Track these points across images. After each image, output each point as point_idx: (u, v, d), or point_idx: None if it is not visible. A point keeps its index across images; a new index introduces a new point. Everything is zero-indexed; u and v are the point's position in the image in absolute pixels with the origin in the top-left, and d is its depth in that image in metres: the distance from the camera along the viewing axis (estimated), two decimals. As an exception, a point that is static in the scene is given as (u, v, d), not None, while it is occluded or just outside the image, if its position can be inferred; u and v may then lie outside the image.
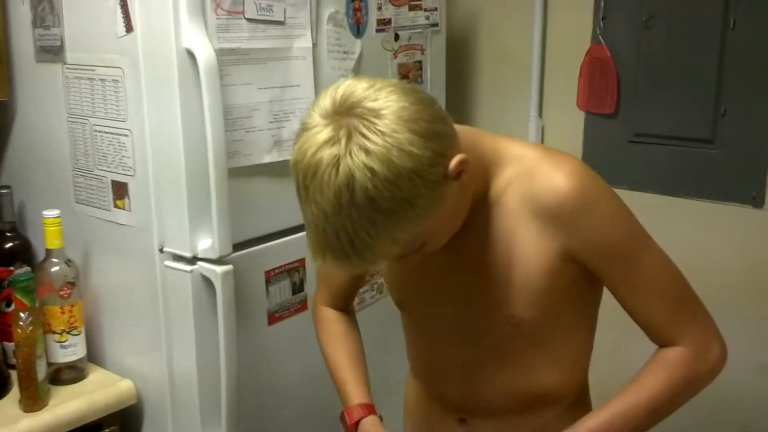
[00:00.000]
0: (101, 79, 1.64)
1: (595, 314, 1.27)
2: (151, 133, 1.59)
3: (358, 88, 0.98)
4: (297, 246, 1.82)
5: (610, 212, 1.13)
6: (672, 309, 1.16)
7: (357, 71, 1.87)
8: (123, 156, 1.64)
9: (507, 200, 1.14)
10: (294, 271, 1.83)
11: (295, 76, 1.72)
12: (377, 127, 0.94)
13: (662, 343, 1.18)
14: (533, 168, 1.13)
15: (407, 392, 1.43)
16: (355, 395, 1.36)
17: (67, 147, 1.76)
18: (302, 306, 1.86)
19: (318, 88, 1.76)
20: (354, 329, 1.48)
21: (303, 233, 1.75)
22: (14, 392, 1.67)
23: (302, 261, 1.84)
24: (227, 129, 1.58)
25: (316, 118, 0.97)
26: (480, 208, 1.14)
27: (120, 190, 1.67)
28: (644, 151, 2.13)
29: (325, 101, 0.98)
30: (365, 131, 0.93)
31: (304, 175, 0.96)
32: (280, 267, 1.79)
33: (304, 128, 0.98)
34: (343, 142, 0.93)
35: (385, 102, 0.96)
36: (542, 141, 2.27)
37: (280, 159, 1.72)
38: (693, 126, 2.04)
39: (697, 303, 1.18)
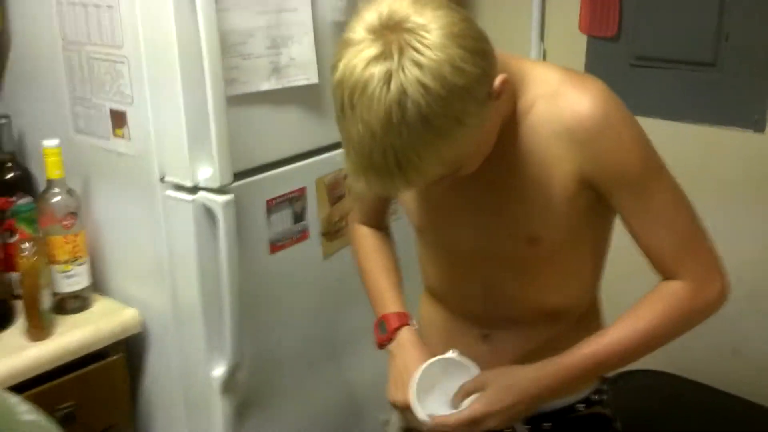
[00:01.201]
0: (95, 5, 1.61)
1: (609, 238, 1.29)
2: (148, 59, 1.57)
3: (403, 3, 0.96)
4: (298, 175, 1.82)
5: (628, 139, 1.13)
6: (677, 242, 1.17)
7: (355, -4, 1.84)
8: (120, 84, 1.63)
9: (530, 121, 1.14)
10: (295, 200, 1.83)
11: (292, 0, 1.68)
12: (428, 42, 0.92)
13: (665, 274, 1.19)
14: (557, 90, 1.13)
15: (422, 313, 1.44)
16: (394, 303, 1.38)
17: (64, 76, 1.74)
18: (303, 235, 1.86)
19: (316, 12, 1.74)
20: (389, 244, 1.49)
21: (304, 162, 1.81)
22: (20, 323, 1.69)
23: (303, 190, 1.84)
24: (223, 55, 1.56)
25: (362, 33, 0.95)
26: (504, 128, 1.14)
27: (119, 119, 1.66)
28: (646, 75, 2.11)
29: (371, 15, 0.96)
30: (418, 45, 0.92)
31: (351, 92, 0.94)
32: (282, 196, 1.79)
33: (349, 43, 0.96)
34: (395, 56, 0.91)
35: (433, 17, 0.94)
36: (543, 66, 2.24)
37: (279, 86, 1.70)
38: (695, 49, 2.01)
39: (704, 239, 1.20)
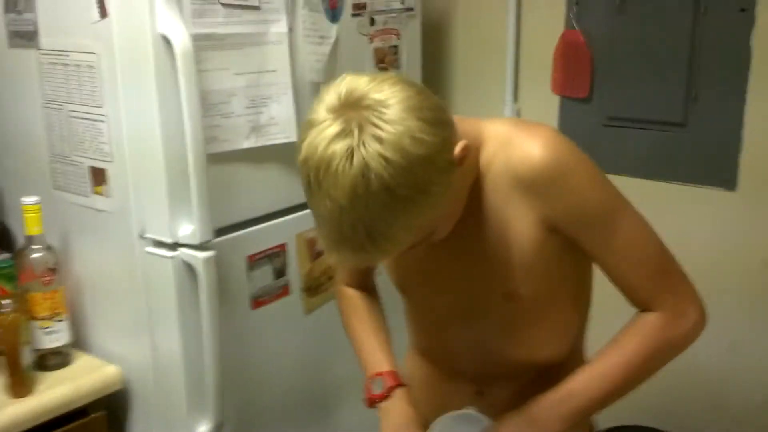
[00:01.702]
0: (76, 65, 1.64)
1: (589, 284, 1.30)
2: (128, 118, 1.60)
3: (360, 82, 0.99)
4: (278, 231, 1.84)
5: (586, 179, 1.15)
6: (650, 275, 1.18)
7: (333, 56, 1.88)
8: (100, 142, 1.65)
9: (491, 177, 1.16)
10: (275, 257, 1.84)
11: (272, 62, 1.72)
12: (387, 117, 0.95)
13: (641, 307, 1.21)
14: (509, 140, 1.15)
15: (409, 372, 1.44)
16: (387, 362, 1.38)
17: (43, 133, 1.76)
18: (284, 291, 1.87)
19: (294, 73, 1.78)
20: (375, 304, 1.50)
21: (284, 218, 1.83)
22: (0, 379, 1.68)
23: (283, 246, 1.85)
24: (204, 115, 1.59)
25: (323, 114, 0.98)
26: (470, 190, 1.17)
27: (98, 176, 1.68)
28: (618, 135, 2.15)
29: (330, 96, 0.99)
30: (376, 121, 0.95)
31: (316, 170, 0.96)
32: (262, 252, 1.80)
33: (311, 124, 0.99)
34: (355, 133, 0.94)
35: (390, 93, 0.98)
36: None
37: (258, 144, 1.73)
38: (666, 110, 2.06)
39: (676, 269, 1.21)
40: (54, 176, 1.78)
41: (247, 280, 1.78)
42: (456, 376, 1.35)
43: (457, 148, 1.03)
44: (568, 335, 1.31)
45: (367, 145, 0.94)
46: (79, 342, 1.83)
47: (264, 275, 1.81)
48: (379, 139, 0.94)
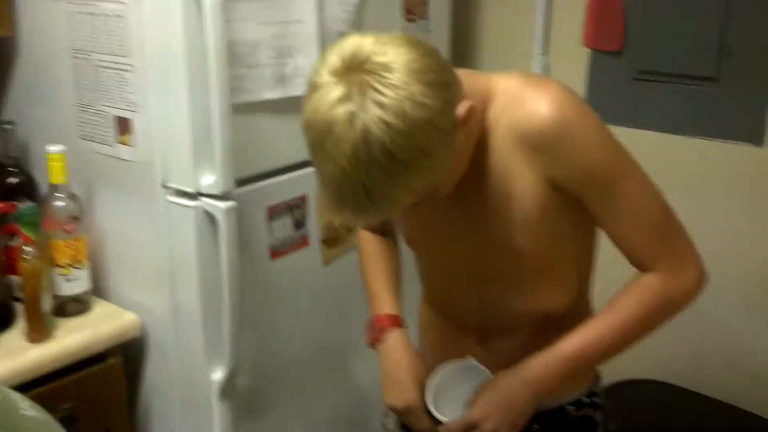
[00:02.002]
0: (104, 14, 1.63)
1: (593, 240, 1.30)
2: (155, 68, 1.59)
3: (365, 43, 0.99)
4: (299, 183, 1.83)
5: (591, 139, 1.14)
6: (651, 237, 1.19)
7: (362, 6, 1.85)
8: (126, 91, 1.64)
9: (498, 134, 1.16)
10: (295, 208, 1.84)
11: (298, 12, 1.70)
12: (389, 81, 0.95)
13: (640, 267, 1.22)
14: (517, 97, 1.15)
15: (422, 319, 1.47)
16: (386, 304, 1.41)
17: (70, 83, 1.76)
18: (303, 241, 1.88)
19: (321, 25, 1.75)
20: (391, 247, 1.51)
21: (305, 170, 1.83)
22: (20, 325, 1.70)
23: (304, 198, 1.85)
24: (230, 65, 1.57)
25: (326, 77, 0.98)
26: (477, 145, 1.16)
27: (124, 126, 1.67)
28: (648, 89, 2.11)
29: (333, 59, 0.99)
30: (378, 86, 0.95)
31: (318, 133, 0.98)
32: (282, 203, 1.80)
33: (314, 87, 0.99)
34: (356, 98, 0.95)
35: (394, 55, 0.97)
36: (546, 78, 2.25)
37: (283, 96, 1.71)
38: (697, 64, 2.02)
39: (678, 231, 1.22)
40: (80, 126, 1.78)
41: (266, 230, 1.78)
42: (460, 327, 1.37)
43: (462, 109, 1.03)
44: (569, 290, 1.31)
45: (368, 110, 0.94)
46: (99, 290, 1.85)
47: (284, 226, 1.82)
48: (380, 105, 0.94)
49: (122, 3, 1.58)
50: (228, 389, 1.76)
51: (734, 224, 2.06)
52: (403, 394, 1.32)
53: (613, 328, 1.21)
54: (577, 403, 1.37)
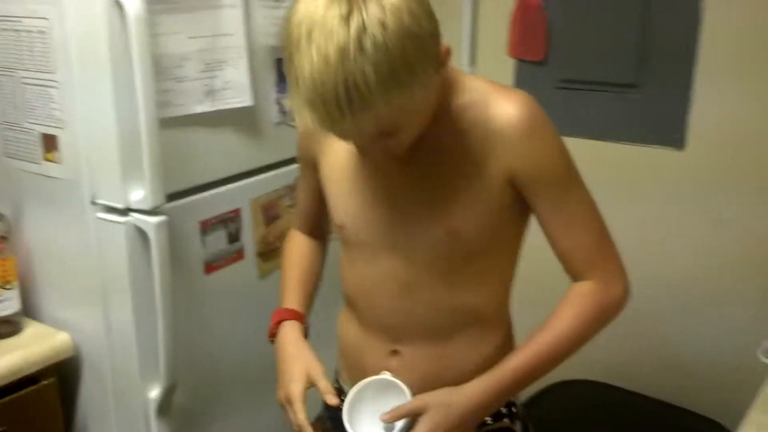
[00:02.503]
0: (28, 31, 1.61)
1: (520, 245, 1.34)
2: (80, 84, 1.57)
3: None
4: (232, 196, 1.84)
5: (553, 143, 1.22)
6: (590, 245, 1.26)
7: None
8: (52, 108, 1.62)
9: (463, 122, 1.20)
10: (230, 221, 1.84)
11: (226, 25, 1.71)
12: None
13: (575, 274, 1.27)
14: (489, 96, 1.20)
15: (341, 334, 1.47)
16: (290, 298, 1.43)
17: (-6, 100, 1.74)
18: (238, 255, 1.88)
19: (250, 37, 1.76)
20: (315, 251, 1.53)
21: (238, 183, 1.83)
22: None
23: (237, 211, 1.85)
24: (157, 79, 1.57)
25: None
26: (435, 125, 1.19)
27: (50, 143, 1.65)
28: (572, 96, 2.18)
29: None
30: None
31: (310, 28, 0.98)
32: (215, 217, 1.80)
33: None
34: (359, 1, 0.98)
35: None
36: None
37: (213, 109, 1.72)
38: (618, 71, 2.09)
39: (611, 244, 1.28)
40: (5, 144, 1.75)
41: (200, 245, 1.78)
42: (373, 331, 1.36)
43: (444, 47, 1.08)
44: (496, 288, 1.34)
45: (368, 10, 0.98)
46: (30, 310, 1.82)
47: (218, 240, 1.82)
48: (381, 8, 0.98)
49: (45, 18, 1.57)
50: (165, 406, 1.75)
51: (660, 226, 2.13)
52: (283, 386, 1.33)
53: (555, 341, 1.24)
54: (496, 414, 1.37)
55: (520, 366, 1.24)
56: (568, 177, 1.23)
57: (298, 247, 1.52)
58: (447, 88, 1.20)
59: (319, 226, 1.52)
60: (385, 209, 1.28)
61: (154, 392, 1.73)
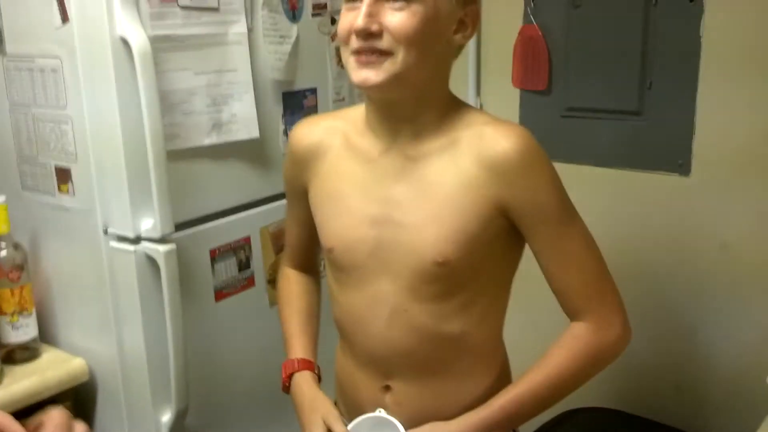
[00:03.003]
0: (40, 69, 1.69)
1: (512, 277, 1.35)
2: (90, 119, 1.64)
3: None
4: (242, 224, 1.89)
5: (550, 178, 1.23)
6: (587, 282, 1.26)
7: (295, 54, 1.93)
8: (64, 143, 1.70)
9: (460, 146, 1.23)
10: (240, 249, 1.89)
11: (232, 61, 1.77)
12: None
13: (572, 313, 1.27)
14: (487, 126, 1.23)
15: (337, 367, 1.49)
16: (295, 349, 1.45)
17: (11, 136, 1.82)
18: (249, 282, 1.92)
19: (255, 72, 1.83)
20: (310, 288, 1.55)
21: (247, 212, 1.88)
22: (-32, 374, 1.73)
23: (248, 239, 1.90)
24: (165, 113, 1.64)
25: None
26: (433, 143, 1.23)
27: (63, 176, 1.73)
28: (576, 125, 2.20)
29: None
30: None
31: None
32: (225, 245, 1.85)
33: None
34: None
35: None
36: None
37: (220, 141, 1.78)
38: (621, 99, 2.11)
39: (610, 283, 1.28)
40: (22, 177, 1.83)
41: (210, 272, 1.83)
42: (366, 366, 1.37)
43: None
44: (485, 320, 1.33)
45: None
46: (47, 336, 1.89)
47: (228, 268, 1.87)
48: None
49: (57, 57, 1.65)
50: (177, 430, 1.79)
51: (669, 251, 2.13)
52: None
53: (548, 380, 1.25)
54: None
55: (509, 404, 1.24)
56: (564, 213, 1.24)
57: (293, 286, 1.55)
58: (451, 104, 1.25)
59: (310, 260, 1.54)
60: (375, 231, 1.28)
61: (166, 416, 1.77)
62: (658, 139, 2.09)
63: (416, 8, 1.15)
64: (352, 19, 1.18)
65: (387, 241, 1.28)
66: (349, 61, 1.20)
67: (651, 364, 2.23)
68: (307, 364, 1.43)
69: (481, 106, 2.34)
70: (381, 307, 1.31)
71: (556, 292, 1.27)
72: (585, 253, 1.26)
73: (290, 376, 1.42)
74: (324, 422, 1.33)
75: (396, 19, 1.15)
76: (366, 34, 1.16)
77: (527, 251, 1.31)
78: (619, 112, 2.13)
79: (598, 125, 2.17)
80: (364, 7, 1.17)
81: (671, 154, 2.07)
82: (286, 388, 1.43)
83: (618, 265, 2.17)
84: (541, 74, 2.20)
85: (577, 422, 2.21)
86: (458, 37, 1.21)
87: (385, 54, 1.16)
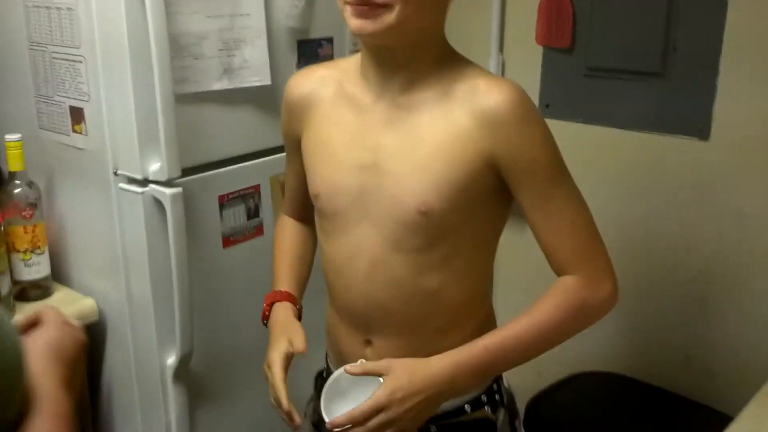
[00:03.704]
0: (57, 8, 1.70)
1: (496, 237, 1.34)
2: (102, 59, 1.65)
3: None
4: (251, 172, 1.90)
5: (542, 134, 1.22)
6: (575, 241, 1.24)
7: (311, 2, 1.92)
8: (78, 82, 1.71)
9: (452, 97, 1.22)
10: (249, 197, 1.90)
11: (246, 5, 1.76)
12: None
13: (559, 270, 1.26)
14: (482, 78, 1.22)
15: (326, 320, 1.49)
16: (279, 285, 1.46)
17: (29, 74, 1.83)
18: (257, 231, 1.93)
19: (269, 19, 1.82)
20: (305, 237, 1.55)
21: (257, 160, 1.89)
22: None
23: (257, 187, 1.91)
24: (175, 56, 1.64)
25: None
26: (425, 93, 1.22)
27: (77, 115, 1.75)
28: (599, 85, 2.16)
29: None
30: None
31: None
32: (234, 192, 1.86)
33: None
34: None
35: None
36: (503, 75, 2.31)
37: (231, 87, 1.78)
38: (645, 60, 2.07)
39: (599, 242, 1.26)
40: (39, 116, 1.85)
41: (219, 219, 1.84)
42: (348, 320, 1.37)
43: None
44: (464, 278, 1.31)
45: None
46: (60, 276, 1.92)
47: (237, 215, 1.88)
48: None
49: (71, -4, 1.66)
50: (181, 373, 1.82)
51: (681, 219, 2.10)
52: (268, 354, 1.35)
53: (533, 326, 1.23)
54: (475, 402, 1.35)
55: (493, 345, 1.22)
56: (554, 169, 1.22)
57: (288, 233, 1.54)
58: (446, 55, 1.24)
59: (308, 212, 1.52)
60: (360, 177, 1.28)
61: (171, 359, 1.80)
62: (679, 103, 2.05)
63: None
64: None
65: (371, 189, 1.27)
66: (345, 8, 1.18)
67: (661, 331, 2.21)
68: (290, 297, 1.43)
69: (503, 62, 2.31)
70: (361, 258, 1.30)
71: (544, 250, 1.25)
72: (576, 212, 1.24)
73: (271, 306, 1.42)
74: (288, 341, 1.33)
75: None
76: None
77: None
78: (641, 73, 2.09)
79: (619, 86, 2.13)
80: None
81: (692, 118, 2.03)
82: (266, 318, 1.43)
83: (631, 230, 2.19)
84: (564, 31, 2.16)
85: (582, 385, 2.21)
86: None
87: (382, 6, 1.14)
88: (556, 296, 1.24)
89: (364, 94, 1.28)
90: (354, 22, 1.17)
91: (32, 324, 0.97)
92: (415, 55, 1.22)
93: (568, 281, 1.24)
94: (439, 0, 1.20)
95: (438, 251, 1.26)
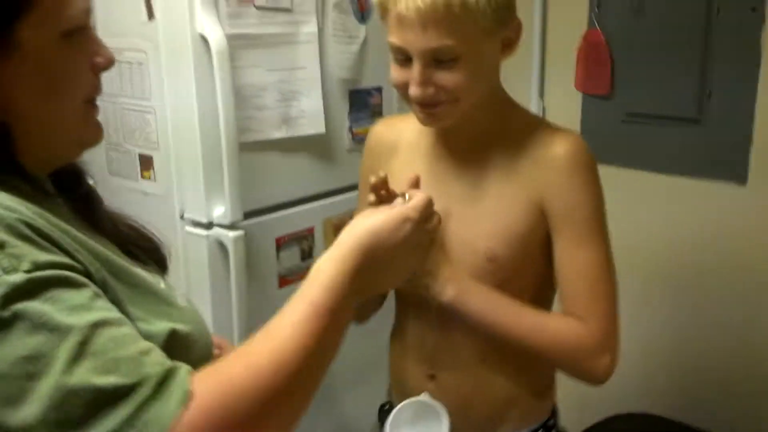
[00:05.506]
0: (128, 62, 1.83)
1: (551, 295, 1.38)
2: (171, 110, 1.78)
3: None
4: (306, 216, 2.00)
5: (593, 187, 1.26)
6: (593, 295, 1.26)
7: (362, 54, 2.03)
8: (148, 131, 1.83)
9: (515, 147, 1.27)
10: (303, 239, 2.00)
11: (302, 59, 1.88)
12: None
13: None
14: (544, 128, 1.28)
15: (390, 355, 1.53)
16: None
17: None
18: (311, 271, 2.02)
19: (324, 70, 1.93)
20: None
21: (312, 204, 1.98)
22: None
23: (311, 230, 2.01)
24: (238, 107, 1.75)
25: None
26: (490, 144, 1.29)
27: (146, 163, 1.86)
28: (636, 130, 2.24)
29: None
30: None
31: None
32: (290, 234, 1.96)
33: None
34: None
35: None
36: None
37: (289, 135, 1.89)
38: (681, 106, 2.15)
39: (614, 305, 1.28)
40: (109, 163, 1.97)
41: (276, 259, 1.94)
42: (413, 354, 1.41)
43: (515, 21, 1.23)
44: None
45: None
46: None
47: (292, 256, 1.97)
48: None
49: (143, 52, 1.78)
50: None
51: (718, 263, 2.15)
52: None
53: (533, 327, 1.26)
54: None
55: (503, 302, 1.26)
56: (594, 224, 1.25)
57: None
58: (507, 108, 1.30)
59: None
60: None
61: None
62: (716, 148, 2.12)
63: (465, 62, 1.18)
64: (404, 76, 1.21)
65: (445, 235, 1.32)
66: (412, 105, 1.25)
67: (700, 371, 2.25)
68: None
69: (543, 108, 2.40)
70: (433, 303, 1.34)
71: (561, 293, 1.29)
72: (600, 270, 1.26)
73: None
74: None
75: (450, 78, 1.18)
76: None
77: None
78: (678, 119, 2.16)
79: (657, 131, 2.21)
80: (417, 75, 1.18)
81: (728, 163, 2.10)
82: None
83: (671, 271, 2.23)
84: (603, 79, 2.25)
85: (622, 428, 2.22)
86: (506, 52, 1.26)
87: (447, 101, 1.21)
88: (561, 320, 1.28)
89: (435, 146, 1.36)
90: (421, 117, 1.25)
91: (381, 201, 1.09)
92: (478, 114, 1.29)
93: (577, 321, 1.26)
94: (493, 67, 1.26)
95: (505, 293, 1.30)
